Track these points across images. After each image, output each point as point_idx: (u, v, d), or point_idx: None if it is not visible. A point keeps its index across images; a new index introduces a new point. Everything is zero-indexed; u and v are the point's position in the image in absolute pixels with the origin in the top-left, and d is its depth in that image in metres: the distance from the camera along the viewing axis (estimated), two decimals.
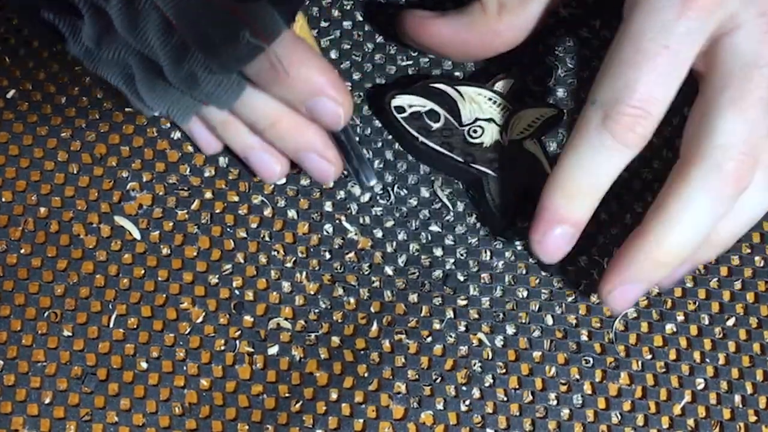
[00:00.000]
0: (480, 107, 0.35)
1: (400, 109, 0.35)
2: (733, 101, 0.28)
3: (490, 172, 0.34)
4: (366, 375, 0.33)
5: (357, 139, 0.33)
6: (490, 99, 0.35)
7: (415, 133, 0.34)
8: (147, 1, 0.27)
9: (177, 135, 0.36)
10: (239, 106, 0.31)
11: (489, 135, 0.34)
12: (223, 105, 0.30)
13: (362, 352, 0.33)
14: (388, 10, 0.39)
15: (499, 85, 0.35)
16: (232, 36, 0.27)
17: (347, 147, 0.33)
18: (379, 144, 0.36)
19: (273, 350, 0.33)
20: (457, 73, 0.37)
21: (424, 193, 0.36)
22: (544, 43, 0.38)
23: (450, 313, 0.34)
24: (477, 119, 0.35)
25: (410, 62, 0.38)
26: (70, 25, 0.28)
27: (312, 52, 0.30)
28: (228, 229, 0.35)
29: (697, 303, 0.35)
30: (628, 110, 0.28)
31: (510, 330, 0.34)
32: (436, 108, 0.35)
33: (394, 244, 0.35)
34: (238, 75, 0.29)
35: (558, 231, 0.30)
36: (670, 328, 0.34)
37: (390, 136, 0.36)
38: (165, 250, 0.34)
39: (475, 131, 0.34)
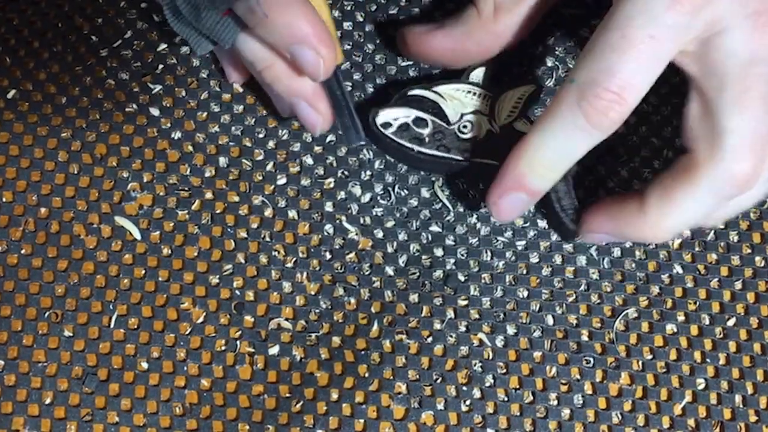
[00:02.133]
0: (462, 102, 0.35)
1: (386, 125, 0.34)
2: (734, 101, 0.28)
3: (491, 162, 0.34)
4: (366, 375, 0.33)
5: (348, 96, 0.33)
6: (469, 92, 0.35)
7: (409, 145, 0.34)
8: None
9: (177, 135, 0.36)
10: (240, 44, 0.32)
11: (479, 127, 0.34)
12: (224, 42, 0.31)
13: (363, 352, 0.33)
14: (389, 11, 0.39)
15: (473, 75, 0.35)
16: None
17: (339, 101, 0.33)
18: None
19: (273, 350, 0.33)
20: (435, 71, 0.37)
21: (425, 193, 0.36)
22: (544, 43, 0.38)
23: (450, 313, 0.34)
24: (463, 115, 0.35)
25: (410, 62, 0.38)
26: None
27: (301, 2, 0.30)
28: (228, 230, 0.35)
29: (697, 303, 0.35)
30: (605, 94, 0.28)
31: (510, 330, 0.34)
32: (421, 114, 0.35)
33: (395, 244, 0.35)
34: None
35: (515, 197, 0.31)
36: (670, 328, 0.34)
37: None
38: (165, 251, 0.34)
39: (465, 126, 0.34)
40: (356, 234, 0.35)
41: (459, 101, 0.35)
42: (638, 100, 0.28)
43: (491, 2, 0.33)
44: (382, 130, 0.34)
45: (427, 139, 0.34)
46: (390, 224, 0.35)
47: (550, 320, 0.34)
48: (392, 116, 0.34)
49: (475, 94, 0.35)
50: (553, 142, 0.30)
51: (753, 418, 0.33)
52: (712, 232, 0.36)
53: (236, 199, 0.35)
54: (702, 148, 0.29)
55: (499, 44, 0.34)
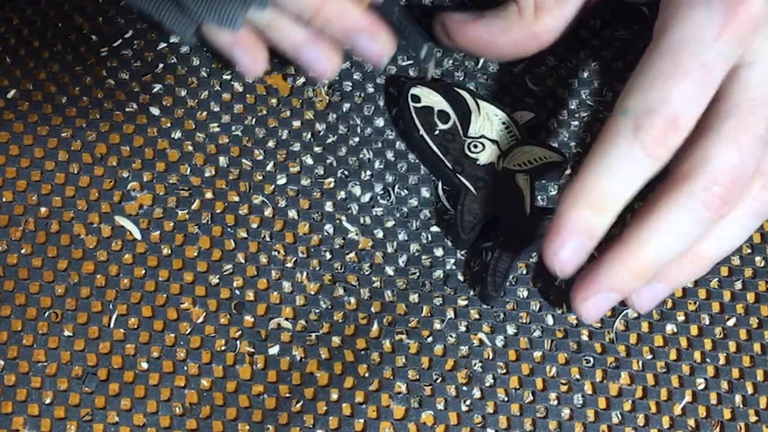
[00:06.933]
0: (491, 126, 0.35)
1: (416, 98, 0.35)
2: (732, 132, 0.28)
3: (471, 188, 0.34)
4: (366, 375, 0.33)
5: (404, 11, 0.33)
6: (503, 123, 0.35)
7: (419, 125, 0.35)
8: None
9: (177, 134, 0.36)
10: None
11: (487, 155, 0.35)
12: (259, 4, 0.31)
13: (363, 352, 0.33)
14: None
15: (518, 114, 0.35)
16: None
17: (400, 22, 0.33)
18: (380, 144, 0.36)
19: (273, 350, 0.33)
20: (483, 92, 0.37)
21: (425, 193, 0.36)
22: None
23: (450, 313, 0.34)
24: (483, 136, 0.35)
25: (410, 62, 0.38)
26: None
27: None
28: (228, 229, 0.35)
29: (697, 303, 0.35)
30: (661, 123, 0.28)
31: (510, 330, 0.34)
32: (449, 111, 0.35)
33: (395, 244, 0.35)
34: None
35: (576, 243, 0.29)
36: (670, 328, 0.34)
37: (391, 136, 0.36)
38: (165, 250, 0.34)
39: (475, 146, 0.34)
40: (356, 234, 0.35)
41: (490, 123, 0.35)
42: (691, 128, 0.28)
43: (532, 1, 0.33)
44: (409, 99, 0.35)
45: (437, 132, 0.35)
46: (390, 224, 0.35)
47: (550, 320, 0.34)
48: (425, 94, 0.35)
49: (507, 128, 0.35)
50: (612, 175, 0.28)
51: (753, 418, 0.33)
52: None
53: (236, 198, 0.35)
54: (684, 167, 0.28)
55: (537, 45, 0.34)
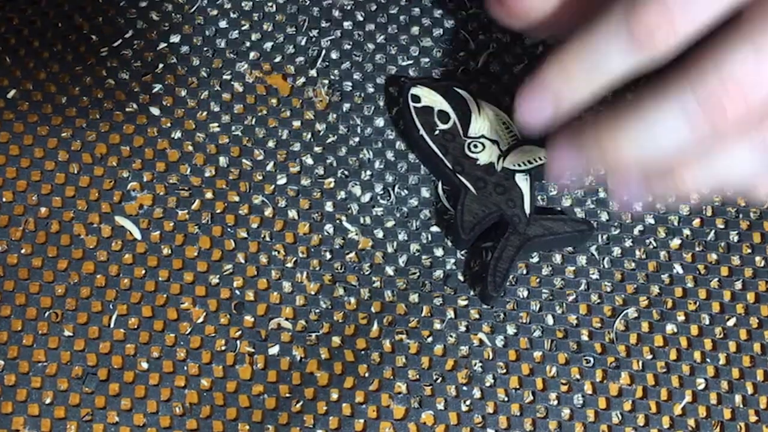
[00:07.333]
0: (491, 127, 0.35)
1: (416, 98, 0.35)
2: (755, 38, 0.25)
3: (471, 188, 0.34)
4: (366, 375, 0.33)
5: None
6: (504, 123, 0.35)
7: (419, 125, 0.35)
8: None
9: (177, 135, 0.36)
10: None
11: (487, 155, 0.35)
12: None
13: (363, 352, 0.33)
14: (389, 10, 0.39)
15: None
16: None
17: None
18: (380, 144, 0.36)
19: (274, 350, 0.33)
20: (484, 93, 0.37)
21: (425, 193, 0.36)
22: (543, 42, 0.38)
23: (450, 313, 0.34)
24: (483, 136, 0.35)
25: (410, 62, 0.38)
26: None
27: None
28: (228, 229, 0.35)
29: (697, 303, 0.35)
30: (657, 11, 0.25)
31: (510, 330, 0.34)
32: (449, 111, 0.35)
33: (395, 244, 0.35)
34: None
35: (540, 99, 0.28)
36: (670, 328, 0.34)
37: (391, 136, 0.36)
38: (165, 250, 0.34)
39: (475, 146, 0.34)
40: (356, 234, 0.35)
41: (489, 123, 0.35)
42: (690, 33, 0.25)
43: None
44: (408, 99, 0.35)
45: (437, 132, 0.35)
46: (390, 224, 0.35)
47: (550, 320, 0.34)
48: (425, 94, 0.35)
49: (508, 128, 0.35)
50: (590, 49, 0.26)
51: (753, 418, 0.33)
52: (713, 232, 0.36)
53: (236, 198, 0.35)
54: (696, 63, 0.25)
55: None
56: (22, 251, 0.34)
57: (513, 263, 0.33)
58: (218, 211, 0.35)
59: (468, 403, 0.33)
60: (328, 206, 0.35)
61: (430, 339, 0.33)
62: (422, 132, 0.35)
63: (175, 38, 0.38)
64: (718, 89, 0.25)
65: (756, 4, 0.25)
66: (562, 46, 0.27)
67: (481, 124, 0.35)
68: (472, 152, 0.34)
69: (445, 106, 0.35)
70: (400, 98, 0.36)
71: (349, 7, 0.39)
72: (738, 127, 0.26)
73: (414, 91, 0.35)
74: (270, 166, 0.36)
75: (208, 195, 0.35)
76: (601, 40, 0.26)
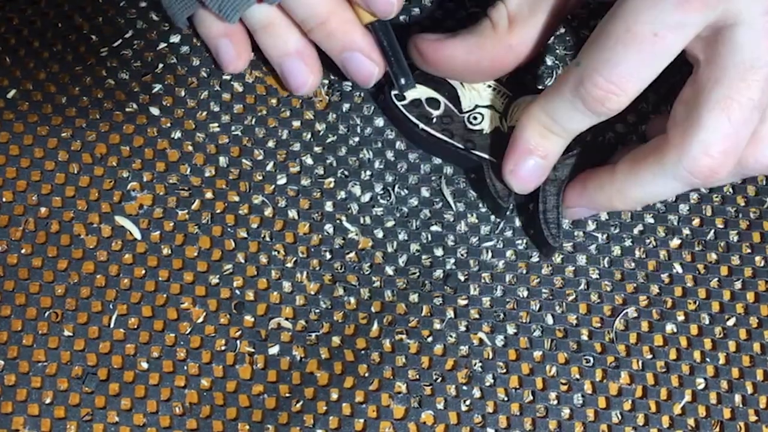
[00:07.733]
0: (479, 94, 0.35)
1: (400, 97, 0.35)
2: (723, 99, 0.28)
3: (490, 158, 0.34)
4: (366, 375, 0.33)
5: (398, 45, 0.34)
6: (489, 86, 0.35)
7: (416, 120, 0.35)
8: None
9: (177, 135, 0.36)
10: (293, 1, 0.32)
11: (488, 121, 0.35)
12: None
13: (363, 351, 0.33)
14: None
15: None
16: None
17: (388, 48, 0.34)
18: (380, 144, 0.36)
19: (273, 350, 0.33)
20: None
21: (425, 192, 0.36)
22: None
23: (450, 313, 0.34)
24: (477, 106, 0.35)
25: (409, 61, 0.38)
26: None
27: None
28: (228, 229, 0.35)
29: (697, 303, 0.35)
30: (603, 84, 0.28)
31: (510, 329, 0.34)
32: (436, 95, 0.35)
33: (395, 244, 0.35)
34: None
35: (531, 162, 0.32)
36: (670, 327, 0.34)
37: (391, 136, 0.36)
38: (165, 250, 0.34)
39: (475, 118, 0.34)
40: (356, 234, 0.35)
41: (477, 92, 0.35)
42: (638, 91, 0.29)
43: (505, 14, 0.32)
44: (394, 100, 0.35)
45: (435, 120, 0.35)
46: (390, 224, 0.35)
47: (549, 320, 0.34)
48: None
49: (494, 89, 0.35)
50: (556, 116, 0.31)
51: (753, 418, 0.33)
52: (712, 231, 0.36)
53: (236, 198, 0.35)
54: (676, 134, 0.29)
55: (514, 58, 0.33)
56: (22, 251, 0.34)
57: (559, 210, 0.34)
58: (218, 211, 0.35)
59: (468, 402, 0.33)
60: (328, 206, 0.35)
61: (430, 339, 0.33)
62: (421, 125, 0.35)
63: (175, 38, 0.38)
64: (702, 157, 0.29)
65: (716, 51, 0.29)
66: (530, 108, 0.31)
67: (469, 95, 0.35)
68: (474, 125, 0.34)
69: (430, 92, 0.35)
70: (386, 109, 0.36)
71: None
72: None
73: (395, 91, 0.35)
74: (270, 166, 0.36)
75: (208, 195, 0.35)
76: (560, 105, 0.31)
